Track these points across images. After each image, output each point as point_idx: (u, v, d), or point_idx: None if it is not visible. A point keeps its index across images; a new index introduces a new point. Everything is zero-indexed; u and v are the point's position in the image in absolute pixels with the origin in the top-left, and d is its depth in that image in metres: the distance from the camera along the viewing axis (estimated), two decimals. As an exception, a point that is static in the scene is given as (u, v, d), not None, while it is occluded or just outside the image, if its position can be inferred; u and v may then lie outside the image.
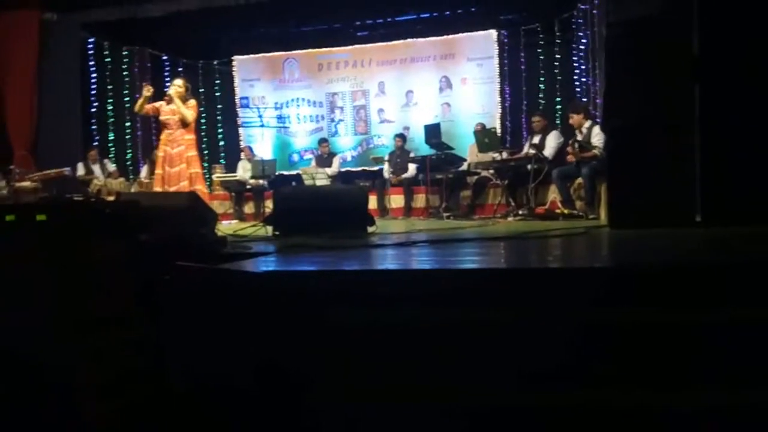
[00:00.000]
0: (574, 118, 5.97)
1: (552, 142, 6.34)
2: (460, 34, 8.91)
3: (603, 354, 1.55)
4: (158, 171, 5.42)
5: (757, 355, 1.48)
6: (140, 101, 5.52)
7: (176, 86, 5.45)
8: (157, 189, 5.29)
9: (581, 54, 8.04)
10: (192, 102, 5.48)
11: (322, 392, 1.68)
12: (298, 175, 8.46)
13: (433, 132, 7.33)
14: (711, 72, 3.27)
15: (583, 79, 8.01)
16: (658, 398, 1.50)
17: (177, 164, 5.32)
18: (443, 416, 1.59)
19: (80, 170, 7.94)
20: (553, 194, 6.10)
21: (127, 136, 9.10)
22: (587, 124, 5.92)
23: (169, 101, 5.41)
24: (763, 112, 3.17)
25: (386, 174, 8.04)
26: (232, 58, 9.64)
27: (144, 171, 8.42)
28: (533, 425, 1.53)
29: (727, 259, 1.93)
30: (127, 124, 9.02)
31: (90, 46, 8.67)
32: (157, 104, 5.48)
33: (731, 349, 1.49)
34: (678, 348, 1.54)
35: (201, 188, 5.37)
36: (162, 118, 5.45)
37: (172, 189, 5.16)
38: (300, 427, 1.68)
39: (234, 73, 9.69)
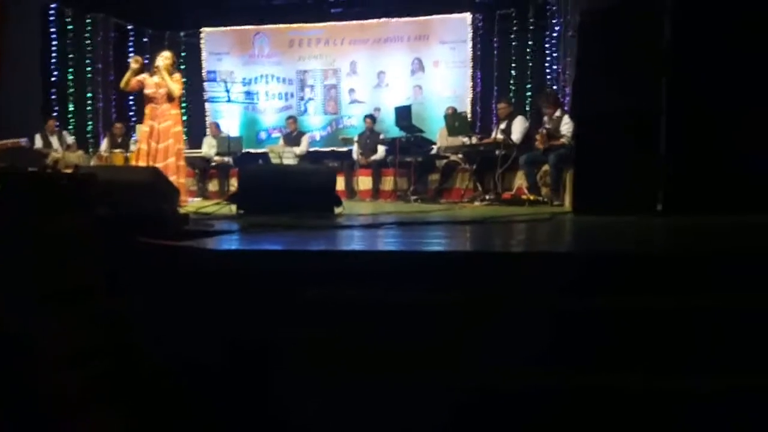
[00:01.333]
0: (548, 111, 6.01)
1: (518, 126, 6.37)
2: (435, 16, 8.86)
3: (566, 338, 1.57)
4: (142, 146, 5.21)
5: (718, 343, 1.52)
6: (128, 75, 5.25)
7: (164, 57, 5.23)
8: (141, 164, 5.12)
9: (554, 42, 8.10)
10: (177, 75, 5.30)
11: (290, 369, 1.66)
12: (265, 154, 8.34)
13: (403, 114, 7.29)
14: (679, 63, 3.32)
15: (554, 67, 8.07)
16: (606, 380, 1.53)
17: (164, 140, 5.13)
18: (410, 395, 1.59)
19: (38, 141, 7.66)
20: (520, 180, 6.16)
21: (88, 108, 8.80)
22: (557, 113, 5.97)
23: (153, 74, 5.20)
24: (725, 106, 3.23)
25: (355, 155, 7.99)
26: (200, 30, 9.40)
27: (104, 144, 8.18)
28: (498, 406, 1.55)
29: (684, 249, 1.97)
30: (89, 95, 8.73)
31: (51, 12, 8.33)
32: (140, 77, 5.25)
33: (696, 336, 1.53)
34: (638, 332, 1.56)
35: (183, 164, 5.26)
36: (147, 91, 5.22)
37: (159, 165, 4.98)
38: (268, 404, 1.67)
39: (202, 46, 9.45)
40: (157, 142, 5.13)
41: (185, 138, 8.99)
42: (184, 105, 9.54)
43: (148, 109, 5.28)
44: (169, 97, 5.20)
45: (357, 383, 1.62)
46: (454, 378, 1.58)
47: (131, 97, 8.49)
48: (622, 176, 3.35)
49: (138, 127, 6.02)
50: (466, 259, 1.83)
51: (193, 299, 1.90)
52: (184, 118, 9.45)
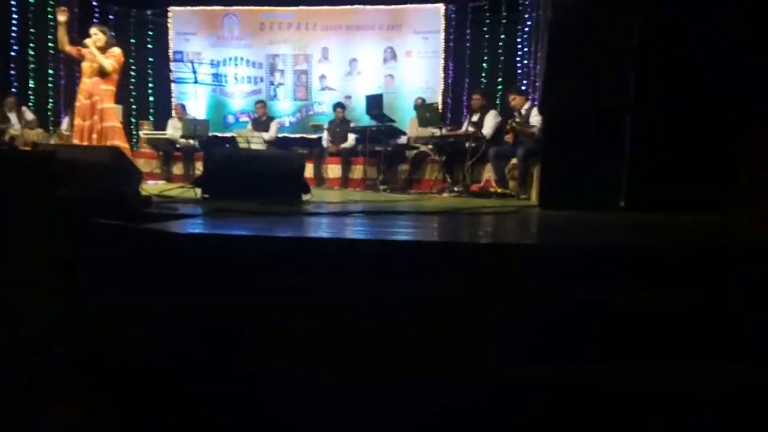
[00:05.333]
0: (516, 100, 6.06)
1: (490, 121, 6.42)
2: (408, 6, 8.84)
3: (534, 330, 1.59)
4: (75, 122, 5.04)
5: (680, 337, 1.56)
6: (60, 33, 5.03)
7: (95, 35, 5.02)
8: (75, 141, 4.95)
9: (525, 36, 8.15)
10: (115, 51, 5.05)
11: (255, 355, 1.65)
12: (233, 138, 8.21)
13: (374, 103, 7.26)
14: (647, 60, 3.37)
15: (525, 62, 8.14)
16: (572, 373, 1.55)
17: (89, 117, 4.93)
18: (373, 385, 1.59)
19: (-6, 117, 7.39)
20: (489, 173, 6.21)
21: (50, 84, 8.51)
22: (526, 105, 6.02)
23: (85, 47, 5.00)
24: (691, 104, 3.30)
25: (325, 143, 7.94)
26: (168, 8, 9.17)
27: (65, 123, 7.93)
28: (464, 395, 1.56)
29: (643, 244, 2.01)
30: (50, 71, 8.44)
31: (12, -16, 8.02)
32: (84, 50, 5.04)
33: (661, 330, 1.57)
34: (607, 325, 1.59)
35: (120, 143, 4.90)
36: (83, 64, 5.04)
37: (85, 143, 4.82)
38: (234, 391, 1.65)
39: (169, 25, 9.23)
40: (83, 119, 4.95)
41: (151, 120, 8.89)
42: (150, 86, 9.34)
43: (81, 84, 5.10)
44: (100, 72, 4.97)
45: (319, 372, 1.61)
46: (419, 368, 1.59)
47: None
48: (587, 172, 3.40)
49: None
50: (432, 248, 1.83)
51: (155, 284, 1.85)
52: (151, 99, 9.32)
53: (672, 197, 3.22)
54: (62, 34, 5.04)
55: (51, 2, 8.38)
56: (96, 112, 4.94)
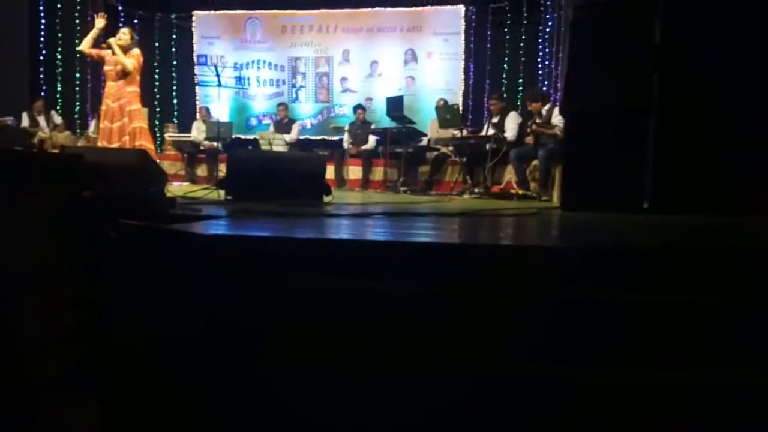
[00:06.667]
0: (533, 106, 6.02)
1: (511, 123, 6.38)
2: (428, 7, 8.83)
3: (553, 330, 1.58)
4: (101, 125, 5.14)
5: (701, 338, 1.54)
6: (90, 34, 5.18)
7: (122, 33, 5.12)
8: (102, 144, 5.04)
9: (546, 37, 8.10)
10: (135, 51, 5.13)
11: (273, 356, 1.66)
12: (255, 140, 8.28)
13: (395, 105, 7.27)
14: (671, 61, 3.33)
15: (546, 62, 8.08)
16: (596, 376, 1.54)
17: (118, 119, 5.01)
18: (391, 386, 1.59)
19: (24, 121, 7.56)
20: (510, 174, 6.18)
21: (77, 88, 8.68)
22: (547, 106, 5.98)
23: (108, 47, 5.09)
24: (716, 106, 3.25)
25: (345, 144, 7.96)
26: (192, 13, 9.29)
27: (92, 125, 8.07)
28: (482, 398, 1.55)
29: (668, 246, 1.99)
30: (77, 75, 8.61)
31: (41, -10, 8.20)
32: (103, 52, 5.15)
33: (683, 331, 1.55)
34: (625, 326, 1.58)
35: (147, 144, 5.02)
36: (105, 68, 5.14)
37: (114, 145, 4.90)
38: (251, 391, 1.67)
39: (193, 29, 9.35)
40: (111, 121, 5.02)
41: (175, 122, 9.01)
42: (175, 89, 9.48)
43: (106, 88, 5.19)
44: (124, 74, 5.05)
45: (339, 372, 1.62)
46: (438, 370, 1.59)
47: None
48: (610, 173, 3.36)
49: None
50: (453, 250, 1.83)
51: (177, 284, 1.88)
52: (175, 102, 9.45)
53: (697, 199, 3.18)
54: (90, 37, 5.16)
55: (78, 7, 8.56)
56: (125, 114, 5.02)
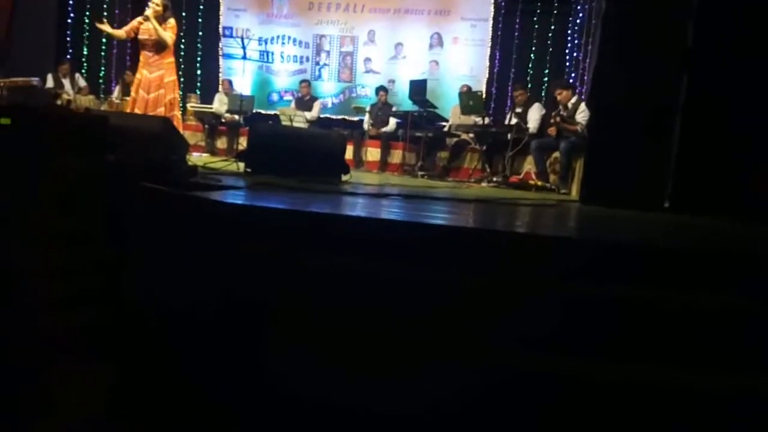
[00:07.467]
0: (563, 94, 5.94)
1: (535, 114, 6.32)
2: (458, -8, 8.73)
3: (565, 323, 1.58)
4: (133, 94, 5.14)
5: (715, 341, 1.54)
6: (110, 33, 5.31)
7: (154, 4, 5.06)
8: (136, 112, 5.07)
9: (576, 28, 7.98)
10: (171, 22, 5.10)
11: (282, 331, 1.68)
12: (276, 116, 8.28)
13: (418, 88, 7.22)
14: (701, 63, 3.28)
15: (575, 54, 7.97)
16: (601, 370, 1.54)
17: (155, 90, 5.03)
18: (402, 370, 1.60)
19: (49, 82, 7.62)
20: (529, 165, 6.14)
21: (102, 53, 8.73)
22: (573, 99, 5.91)
23: (146, 20, 5.06)
24: (742, 110, 3.20)
25: (366, 125, 7.95)
26: (220, -16, 9.27)
27: (116, 91, 8.13)
28: (487, 385, 1.56)
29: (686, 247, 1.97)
30: (104, 40, 8.65)
31: (71, -47, 8.23)
32: (135, 22, 5.14)
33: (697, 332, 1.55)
34: (636, 322, 1.58)
35: (177, 114, 5.09)
36: (140, 37, 5.11)
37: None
38: (258, 365, 1.69)
39: (220, 1, 9.33)
40: (147, 92, 5.03)
41: (197, 93, 9.04)
42: (199, 60, 9.49)
43: (142, 57, 5.16)
44: (160, 46, 5.04)
45: (341, 353, 1.63)
46: (444, 354, 1.60)
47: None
48: (632, 170, 3.33)
49: (127, 73, 5.80)
50: (468, 235, 1.83)
51: (193, 251, 1.90)
52: (198, 73, 9.47)
53: (720, 200, 3.14)
54: (111, 34, 5.37)
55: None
56: (163, 86, 5.05)
